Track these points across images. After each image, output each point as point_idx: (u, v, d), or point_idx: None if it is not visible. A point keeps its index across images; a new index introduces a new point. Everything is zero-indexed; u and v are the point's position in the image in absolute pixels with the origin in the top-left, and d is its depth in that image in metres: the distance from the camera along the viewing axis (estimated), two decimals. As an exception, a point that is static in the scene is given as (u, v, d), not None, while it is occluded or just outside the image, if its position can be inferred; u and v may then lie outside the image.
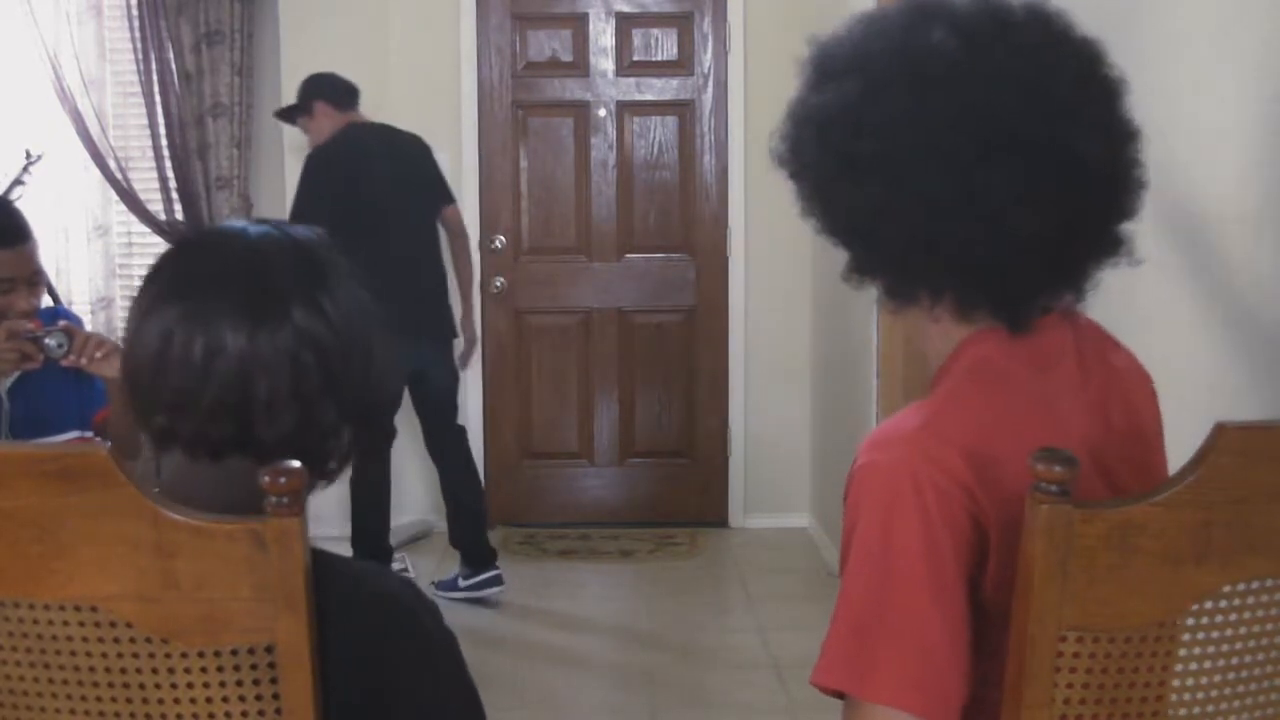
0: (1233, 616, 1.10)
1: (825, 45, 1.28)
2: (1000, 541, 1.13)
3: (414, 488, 4.99)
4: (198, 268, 1.18)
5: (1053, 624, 1.06)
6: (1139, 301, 2.01)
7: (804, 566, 4.75)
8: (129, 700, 1.04)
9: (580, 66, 5.17)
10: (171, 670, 1.03)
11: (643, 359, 5.26)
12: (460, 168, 5.07)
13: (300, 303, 1.14)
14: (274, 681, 1.04)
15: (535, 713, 3.51)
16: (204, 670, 1.03)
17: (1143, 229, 1.27)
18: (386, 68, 5.04)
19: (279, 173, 4.99)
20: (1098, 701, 1.09)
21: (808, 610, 4.05)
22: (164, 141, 5.19)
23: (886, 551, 1.14)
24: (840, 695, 1.16)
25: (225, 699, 1.04)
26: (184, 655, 1.03)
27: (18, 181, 4.91)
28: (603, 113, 5.18)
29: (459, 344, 4.60)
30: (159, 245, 5.20)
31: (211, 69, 5.14)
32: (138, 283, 1.24)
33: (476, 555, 4.31)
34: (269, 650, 1.03)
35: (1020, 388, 1.21)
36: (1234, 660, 1.11)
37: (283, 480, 1.01)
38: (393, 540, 4.48)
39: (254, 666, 1.04)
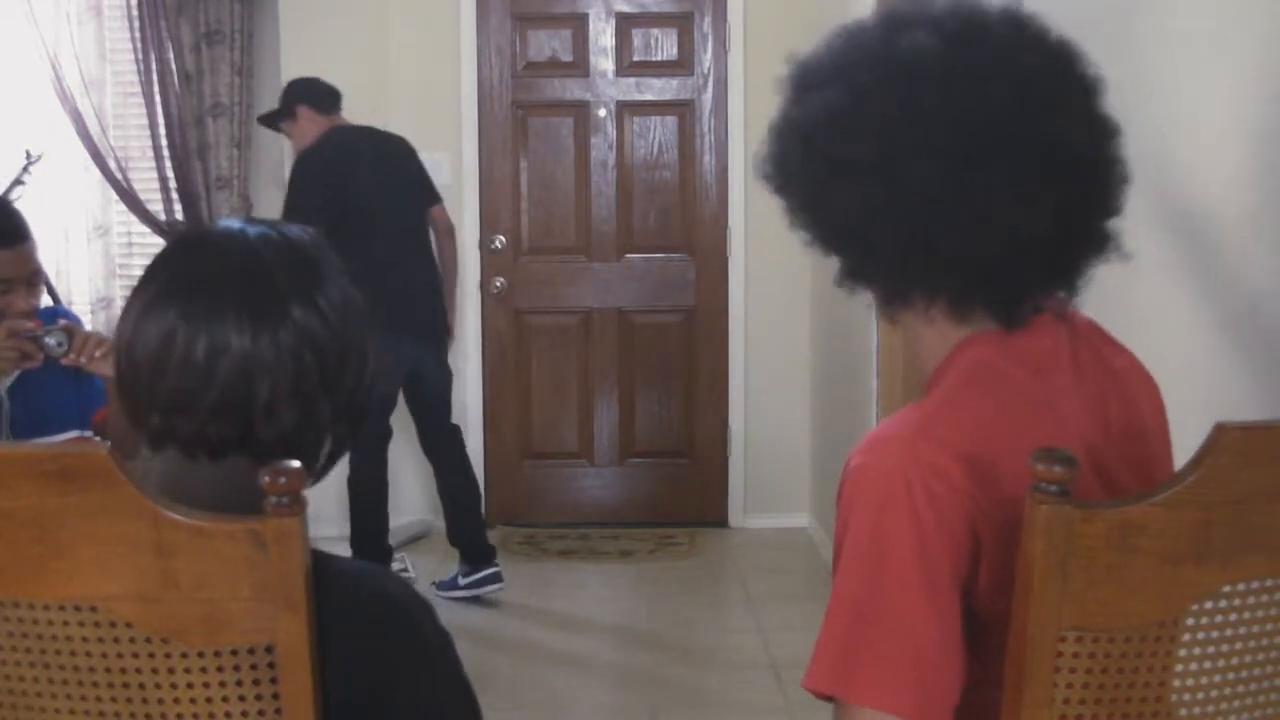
0: (1233, 616, 1.10)
1: (804, 61, 1.29)
2: (995, 544, 1.13)
3: (413, 488, 4.99)
4: (197, 268, 1.17)
5: (1053, 624, 1.06)
6: (1138, 302, 2.01)
7: (804, 566, 4.75)
8: (129, 700, 1.04)
9: (580, 66, 5.17)
10: (171, 670, 1.03)
11: (643, 359, 5.26)
12: (460, 168, 5.08)
13: (299, 302, 1.15)
14: (274, 681, 1.04)
15: (535, 713, 3.51)
16: (204, 670, 1.03)
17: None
18: (386, 68, 5.05)
19: (279, 173, 4.99)
20: (1098, 701, 1.09)
21: (807, 610, 4.05)
22: (164, 141, 5.19)
23: (878, 554, 1.14)
24: (832, 699, 1.16)
25: (225, 699, 1.04)
26: (184, 655, 1.03)
27: (18, 181, 4.91)
28: (603, 113, 5.18)
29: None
30: (159, 245, 5.16)
31: (211, 69, 5.14)
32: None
33: (475, 553, 4.33)
34: (269, 650, 1.03)
35: (1016, 390, 1.21)
36: (1234, 660, 1.11)
37: (283, 480, 1.01)
38: (392, 540, 4.50)
39: (254, 666, 1.04)
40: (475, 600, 4.30)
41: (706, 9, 5.13)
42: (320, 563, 1.07)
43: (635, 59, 5.17)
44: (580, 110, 5.19)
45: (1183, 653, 1.10)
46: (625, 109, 5.19)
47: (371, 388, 1.22)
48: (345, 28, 4.99)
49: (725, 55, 5.12)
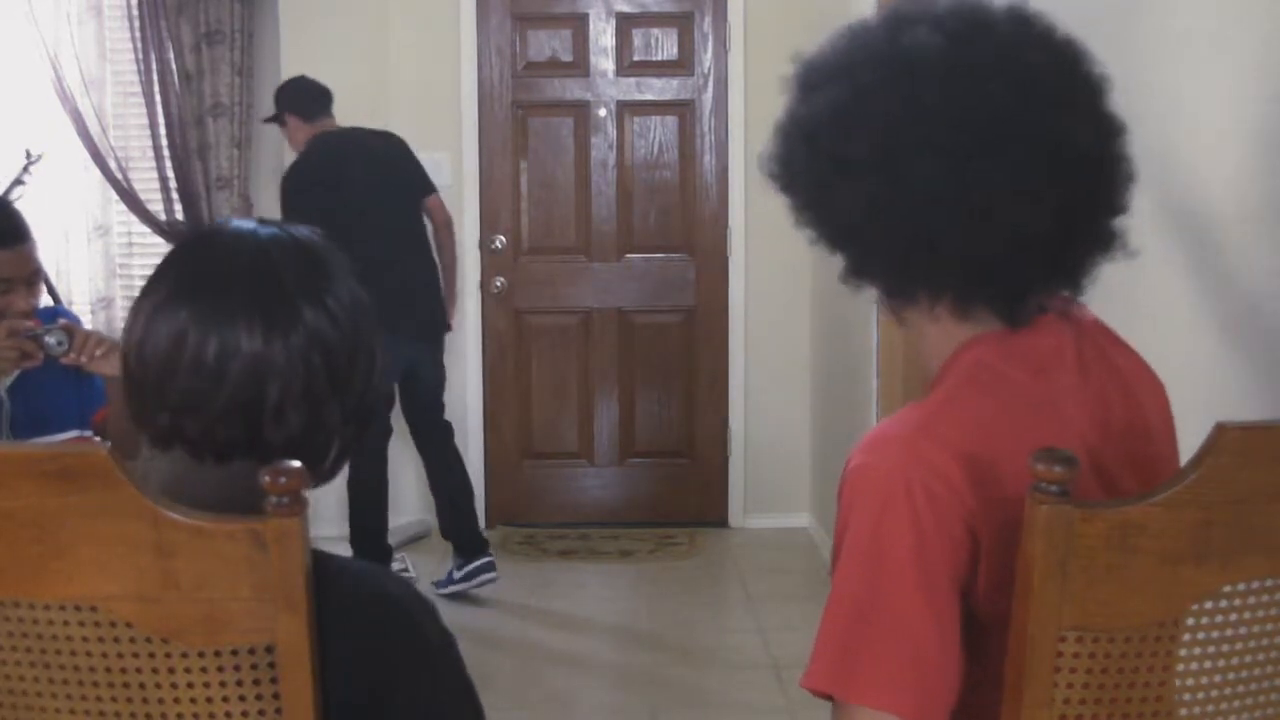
0: (1233, 616, 1.10)
1: (809, 60, 1.30)
2: (994, 545, 1.13)
3: (412, 488, 4.99)
4: (208, 268, 1.17)
5: (1053, 624, 1.06)
6: (1140, 300, 2.01)
7: (804, 566, 4.75)
8: (129, 700, 1.04)
9: (580, 66, 5.17)
10: (171, 670, 1.03)
11: (643, 359, 5.26)
12: (460, 168, 5.08)
13: (309, 303, 1.15)
14: (274, 681, 1.04)
15: (535, 713, 3.51)
16: (204, 670, 1.03)
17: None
18: (386, 68, 5.05)
19: (279, 173, 4.98)
20: (1098, 701, 1.09)
21: (807, 610, 4.04)
22: (164, 141, 5.19)
23: (877, 553, 1.14)
24: (831, 699, 1.16)
25: (225, 699, 1.04)
26: (184, 655, 1.03)
27: (18, 181, 4.91)
28: (603, 113, 5.18)
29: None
30: (159, 245, 5.20)
31: (211, 69, 5.14)
32: (138, 283, 1.24)
33: (469, 545, 4.36)
34: (269, 650, 1.03)
35: (1017, 390, 1.21)
36: (1234, 660, 1.11)
37: (283, 480, 1.01)
38: (392, 540, 4.51)
39: (254, 666, 1.04)
40: (475, 600, 4.30)
41: (707, 9, 5.13)
42: (320, 562, 1.07)
43: (635, 59, 5.17)
44: (580, 110, 5.19)
45: (1183, 653, 1.10)
46: (625, 109, 5.19)
47: (380, 388, 1.22)
48: (345, 28, 4.99)
49: (725, 55, 5.12)
